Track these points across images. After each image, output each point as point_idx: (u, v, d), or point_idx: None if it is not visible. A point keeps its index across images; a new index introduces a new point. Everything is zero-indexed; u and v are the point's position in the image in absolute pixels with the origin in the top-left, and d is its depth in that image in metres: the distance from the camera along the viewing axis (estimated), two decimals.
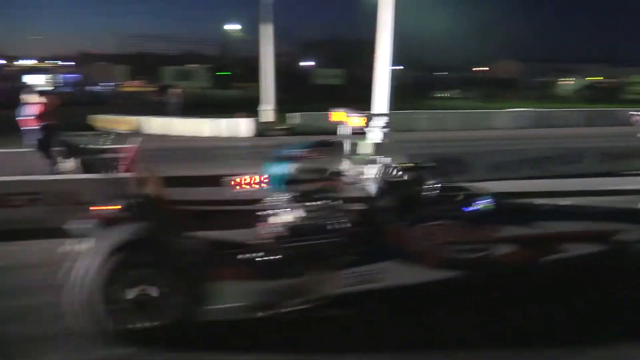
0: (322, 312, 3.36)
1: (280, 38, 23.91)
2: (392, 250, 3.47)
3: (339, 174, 3.83)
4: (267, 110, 21.45)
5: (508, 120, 21.53)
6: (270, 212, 3.59)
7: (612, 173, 10.11)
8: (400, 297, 3.49)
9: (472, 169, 9.13)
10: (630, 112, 17.46)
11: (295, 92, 32.52)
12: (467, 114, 22.37)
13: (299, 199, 3.48)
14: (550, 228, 3.67)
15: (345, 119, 8.20)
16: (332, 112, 8.59)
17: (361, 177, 4.17)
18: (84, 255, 3.12)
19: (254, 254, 3.28)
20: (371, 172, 4.06)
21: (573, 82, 54.47)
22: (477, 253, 3.54)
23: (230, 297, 3.24)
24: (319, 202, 3.48)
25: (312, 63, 54.69)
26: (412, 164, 3.97)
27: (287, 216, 3.48)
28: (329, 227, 3.42)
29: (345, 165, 4.47)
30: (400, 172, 3.82)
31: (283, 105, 21.85)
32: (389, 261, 3.43)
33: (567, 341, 3.45)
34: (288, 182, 3.50)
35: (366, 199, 3.84)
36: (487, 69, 63.93)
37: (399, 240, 3.50)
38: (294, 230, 3.38)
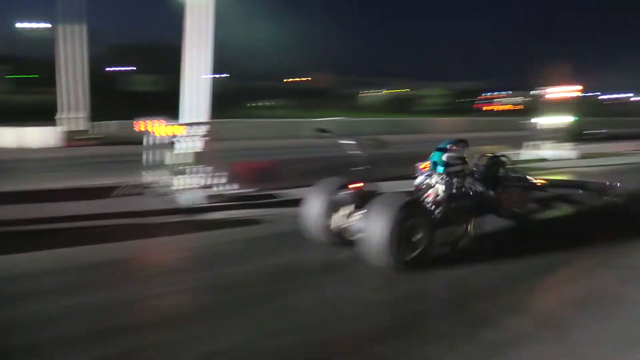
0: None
1: (94, 41, 22.02)
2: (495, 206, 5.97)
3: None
4: (76, 118, 19.67)
5: None
6: (432, 186, 5.43)
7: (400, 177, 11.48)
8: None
9: (282, 176, 9.53)
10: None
11: (109, 99, 30.20)
12: (285, 123, 23.56)
13: (451, 176, 5.42)
14: (551, 192, 6.80)
15: (153, 129, 8.04)
16: (138, 122, 8.33)
17: (171, 187, 4.30)
18: (374, 213, 4.72)
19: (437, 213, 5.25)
20: (187, 181, 4.20)
21: (378, 93, 60.93)
22: (527, 207, 6.39)
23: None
24: (462, 179, 5.55)
25: (130, 68, 51.37)
26: (492, 156, 6.31)
27: (443, 187, 5.35)
28: (469, 193, 5.60)
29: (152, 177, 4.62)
30: (488, 162, 6.15)
31: (96, 113, 20.26)
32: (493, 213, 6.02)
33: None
34: (444, 165, 5.40)
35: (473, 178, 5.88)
36: (309, 79, 66.95)
37: (497, 200, 5.95)
38: (453, 196, 5.38)
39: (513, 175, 6.38)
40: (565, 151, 15.77)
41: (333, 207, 5.41)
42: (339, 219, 5.39)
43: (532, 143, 15.95)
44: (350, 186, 5.46)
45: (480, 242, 5.80)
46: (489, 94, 60.07)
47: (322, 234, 5.53)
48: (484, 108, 54.84)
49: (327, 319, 4.05)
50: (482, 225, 5.83)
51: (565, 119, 16.34)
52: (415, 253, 4.88)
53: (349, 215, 5.31)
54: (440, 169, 5.40)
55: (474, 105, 55.42)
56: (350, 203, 5.35)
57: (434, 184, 5.41)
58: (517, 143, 16.09)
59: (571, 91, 16.40)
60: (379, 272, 4.89)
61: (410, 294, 4.61)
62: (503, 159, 6.29)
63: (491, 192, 5.84)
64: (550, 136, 15.97)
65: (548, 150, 15.71)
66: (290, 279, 4.95)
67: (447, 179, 5.37)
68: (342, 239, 5.35)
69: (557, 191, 6.98)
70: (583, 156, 15.64)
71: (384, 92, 61.25)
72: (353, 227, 5.17)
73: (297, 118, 26.62)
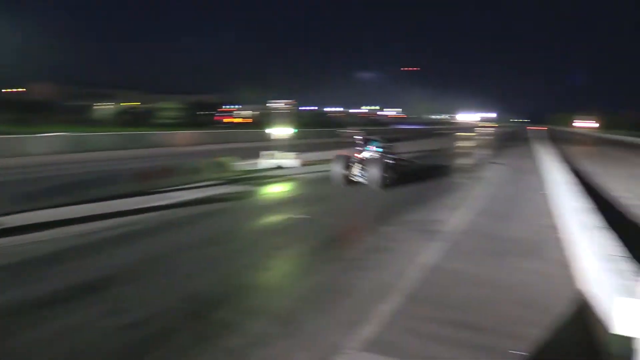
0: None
1: None
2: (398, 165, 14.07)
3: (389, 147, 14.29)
4: None
5: (43, 145, 20.29)
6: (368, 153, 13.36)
7: (144, 192, 10.79)
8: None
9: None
10: None
11: None
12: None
13: (379, 151, 13.41)
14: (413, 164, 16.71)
15: None
16: None
17: None
18: (367, 164, 12.75)
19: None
20: None
21: (111, 106, 56.45)
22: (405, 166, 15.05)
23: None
24: (385, 153, 13.51)
25: None
26: (387, 150, 14.07)
27: (372, 154, 13.23)
28: (387, 159, 13.08)
29: None
30: (389, 153, 13.73)
31: None
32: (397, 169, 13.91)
33: None
34: (377, 145, 13.81)
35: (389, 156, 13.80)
36: (24, 90, 57.97)
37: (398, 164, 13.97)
38: (377, 159, 12.80)
39: (399, 154, 15.10)
40: (290, 160, 17.38)
41: (347, 166, 12.77)
42: (351, 172, 12.78)
43: (267, 152, 17.17)
44: (356, 155, 13.11)
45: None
46: (229, 106, 62.41)
47: (342, 180, 12.75)
48: (225, 120, 56.63)
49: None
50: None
51: (288, 130, 18.12)
52: (387, 182, 12.43)
53: (356, 169, 12.74)
54: (379, 149, 13.58)
55: (215, 118, 56.66)
56: (356, 164, 12.75)
57: (371, 156, 13.20)
58: (254, 153, 17.17)
59: (289, 104, 18.21)
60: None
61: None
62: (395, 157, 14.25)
63: (396, 160, 13.82)
64: (280, 146, 17.49)
65: (280, 160, 17.12)
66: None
67: (383, 154, 13.40)
68: (350, 182, 12.70)
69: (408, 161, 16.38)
70: (305, 164, 17.38)
71: (120, 104, 57.27)
72: (357, 176, 12.72)
73: (11, 134, 22.33)
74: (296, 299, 5.12)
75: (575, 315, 4.61)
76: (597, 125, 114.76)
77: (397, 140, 19.16)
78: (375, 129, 41.53)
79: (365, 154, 13.34)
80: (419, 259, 6.40)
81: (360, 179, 12.66)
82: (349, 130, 32.26)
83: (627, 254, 4.51)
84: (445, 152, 27.33)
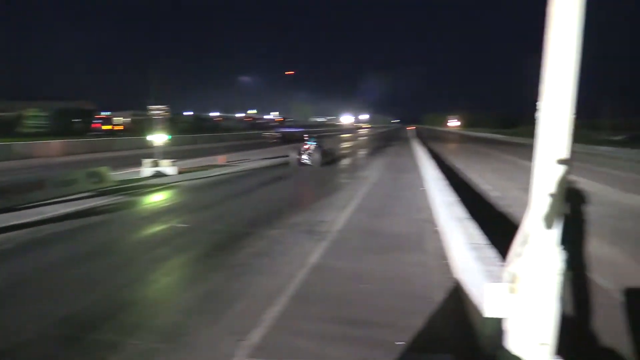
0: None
1: None
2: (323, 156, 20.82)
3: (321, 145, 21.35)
4: None
5: None
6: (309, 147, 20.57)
7: (13, 207, 9.89)
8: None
9: None
10: None
11: None
12: None
13: (317, 146, 20.75)
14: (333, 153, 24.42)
15: None
16: None
17: None
18: (310, 153, 20.11)
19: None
20: None
21: None
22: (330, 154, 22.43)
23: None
24: (318, 145, 21.01)
25: None
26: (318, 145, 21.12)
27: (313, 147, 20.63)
28: (321, 149, 20.81)
29: None
30: (321, 148, 20.96)
31: None
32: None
33: None
34: (314, 140, 21.31)
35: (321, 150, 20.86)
36: None
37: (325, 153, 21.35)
38: (316, 148, 20.43)
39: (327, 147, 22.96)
40: (170, 167, 16.54)
41: (300, 153, 20.02)
42: (301, 157, 19.89)
43: (148, 160, 16.18)
44: (305, 147, 20.31)
45: None
46: (106, 113, 58.05)
47: (296, 163, 19.77)
48: (103, 127, 52.50)
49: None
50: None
51: (163, 137, 17.14)
52: (325, 161, 20.49)
53: (305, 155, 19.93)
54: (315, 143, 20.79)
55: (92, 125, 52.26)
56: (306, 152, 20.02)
57: (315, 147, 20.34)
58: (133, 161, 16.07)
59: (163, 109, 17.16)
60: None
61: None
62: (326, 148, 22.21)
63: (325, 150, 21.16)
64: (161, 153, 16.55)
65: (160, 167, 16.22)
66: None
67: (318, 147, 20.50)
68: (301, 164, 19.69)
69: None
70: (181, 171, 16.69)
71: None
72: (305, 159, 19.88)
73: None
74: (183, 311, 4.83)
75: (453, 303, 4.91)
76: (459, 124, 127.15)
77: (321, 138, 24.85)
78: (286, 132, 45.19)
79: (309, 146, 20.66)
80: (305, 259, 6.43)
81: (307, 161, 19.96)
82: (268, 134, 44.63)
83: (488, 241, 4.91)
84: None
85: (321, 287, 5.35)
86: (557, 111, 2.48)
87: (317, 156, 19.95)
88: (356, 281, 5.57)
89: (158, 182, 14.70)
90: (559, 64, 2.47)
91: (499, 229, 5.54)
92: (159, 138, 16.98)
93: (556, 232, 2.60)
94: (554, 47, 2.47)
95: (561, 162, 2.51)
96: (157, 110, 16.78)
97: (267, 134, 45.69)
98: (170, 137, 17.81)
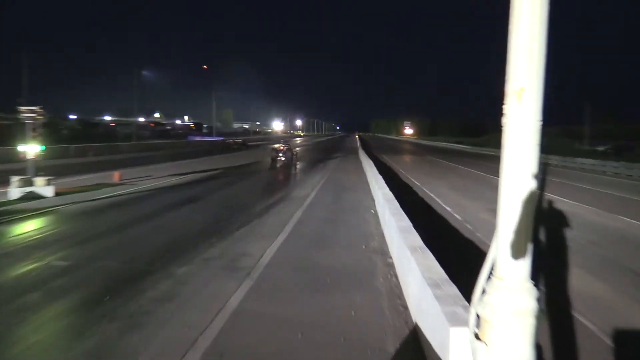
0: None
1: None
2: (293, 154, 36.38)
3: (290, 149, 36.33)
4: None
5: None
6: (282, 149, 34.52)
7: None
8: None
9: None
10: None
11: None
12: None
13: (285, 148, 35.51)
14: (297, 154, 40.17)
15: None
16: None
17: None
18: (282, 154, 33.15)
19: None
20: None
21: None
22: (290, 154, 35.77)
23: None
24: (289, 148, 36.72)
25: None
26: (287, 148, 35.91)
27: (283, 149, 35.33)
28: (291, 151, 36.59)
29: None
30: (290, 151, 36.17)
31: None
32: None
33: None
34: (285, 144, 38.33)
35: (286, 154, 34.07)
36: None
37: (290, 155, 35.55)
38: (287, 152, 35.02)
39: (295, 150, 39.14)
40: (42, 187, 15.76)
41: (276, 155, 33.67)
42: (278, 157, 33.23)
43: (18, 178, 15.28)
44: (281, 147, 34.74)
45: None
46: None
47: (273, 164, 32.50)
48: None
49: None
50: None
51: (35, 148, 16.28)
52: (293, 162, 34.49)
53: (281, 156, 33.70)
54: (287, 146, 36.95)
55: None
56: (281, 152, 34.32)
57: (286, 150, 34.61)
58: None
59: (35, 112, 15.98)
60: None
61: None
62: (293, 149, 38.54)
63: (293, 152, 36.55)
64: (31, 168, 15.58)
65: (35, 187, 15.34)
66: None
67: (287, 149, 34.69)
68: (276, 163, 32.61)
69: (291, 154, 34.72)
70: (60, 192, 16.10)
71: None
72: (281, 159, 33.08)
73: None
74: None
75: (411, 354, 4.91)
76: (412, 132, 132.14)
77: (287, 144, 38.54)
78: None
79: (282, 148, 33.60)
80: (223, 304, 6.28)
81: (282, 158, 32.06)
82: (232, 140, 68.90)
83: (451, 275, 4.99)
84: (255, 168, 33.47)
85: (243, 340, 5.21)
86: (524, 117, 2.51)
87: (289, 155, 33.55)
88: (289, 330, 5.47)
89: (31, 206, 13.99)
90: (524, 56, 2.51)
91: (463, 260, 5.68)
92: (31, 149, 16.13)
93: (527, 264, 2.55)
94: (518, 37, 2.52)
95: (531, 176, 2.54)
96: (28, 113, 15.89)
97: (230, 140, 68.06)
98: (44, 147, 16.89)
